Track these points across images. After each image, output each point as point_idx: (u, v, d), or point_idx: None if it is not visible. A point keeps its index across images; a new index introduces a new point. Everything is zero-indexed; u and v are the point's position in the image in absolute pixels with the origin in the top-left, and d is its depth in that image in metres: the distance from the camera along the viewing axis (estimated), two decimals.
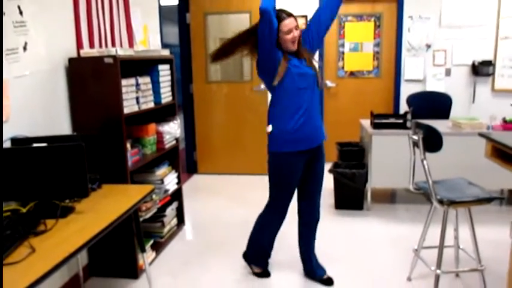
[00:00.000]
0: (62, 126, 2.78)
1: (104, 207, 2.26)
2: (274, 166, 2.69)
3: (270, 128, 2.63)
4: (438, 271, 2.60)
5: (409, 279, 2.93)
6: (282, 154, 2.62)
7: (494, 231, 3.64)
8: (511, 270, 2.37)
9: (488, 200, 2.56)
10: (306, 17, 5.33)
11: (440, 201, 2.54)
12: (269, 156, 2.69)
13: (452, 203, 2.52)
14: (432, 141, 2.59)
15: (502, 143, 2.45)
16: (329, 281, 2.89)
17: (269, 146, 2.67)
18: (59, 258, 1.67)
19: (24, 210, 2.11)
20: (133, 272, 2.98)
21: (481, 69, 5.20)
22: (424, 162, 2.61)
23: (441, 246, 2.61)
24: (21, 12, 2.40)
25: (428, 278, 2.90)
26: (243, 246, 3.05)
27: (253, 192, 4.89)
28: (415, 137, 2.68)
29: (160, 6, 4.40)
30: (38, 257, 1.69)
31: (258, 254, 3.00)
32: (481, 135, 2.79)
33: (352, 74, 5.67)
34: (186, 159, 5.71)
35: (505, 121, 3.85)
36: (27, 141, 2.25)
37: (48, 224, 2.01)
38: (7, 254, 1.70)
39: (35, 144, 2.10)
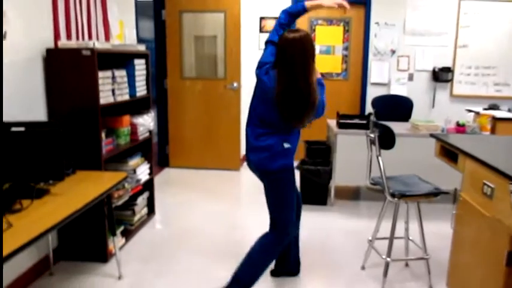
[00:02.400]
0: (38, 113, 2.88)
1: (79, 190, 2.40)
2: (290, 180, 2.62)
3: (287, 145, 2.56)
4: (388, 259, 2.84)
5: (363, 267, 3.16)
6: (293, 167, 2.64)
7: (444, 225, 3.91)
8: (452, 258, 2.63)
9: (435, 194, 2.81)
10: None
11: (392, 195, 2.77)
12: (284, 173, 2.58)
13: (402, 196, 2.76)
14: (387, 139, 2.82)
15: (447, 142, 2.70)
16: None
17: (285, 162, 2.56)
18: (36, 232, 1.81)
19: None
20: (103, 256, 3.10)
21: (441, 75, 5.52)
22: (379, 158, 2.84)
23: (391, 237, 2.85)
24: (1, 3, 2.50)
25: (380, 266, 3.13)
26: (211, 237, 3.15)
27: (223, 186, 5.06)
28: (372, 135, 2.91)
29: (136, 2, 4.51)
30: (15, 231, 1.82)
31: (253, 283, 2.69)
32: (432, 135, 3.04)
33: (321, 75, 5.89)
34: (158, 153, 5.82)
35: (458, 124, 4.14)
36: (4, 125, 2.35)
37: (23, 204, 2.13)
38: None
39: (13, 129, 2.21)
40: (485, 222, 2.21)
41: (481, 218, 2.24)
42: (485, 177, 2.22)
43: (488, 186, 2.18)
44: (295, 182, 2.67)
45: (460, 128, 4.09)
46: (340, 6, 2.65)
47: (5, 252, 1.63)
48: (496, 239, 2.11)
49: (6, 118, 2.50)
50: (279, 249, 2.69)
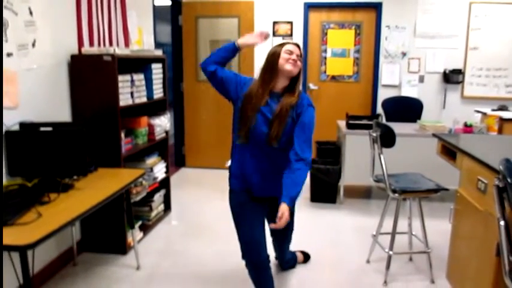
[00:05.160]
0: (63, 114, 3.11)
1: (100, 185, 2.61)
2: (231, 204, 2.82)
3: (228, 163, 2.66)
4: (390, 252, 2.97)
5: (368, 261, 3.30)
6: (232, 191, 2.84)
7: (447, 223, 4.01)
8: (450, 250, 2.75)
9: (435, 191, 2.94)
10: (291, 23, 5.71)
11: (394, 191, 2.91)
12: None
13: (403, 192, 2.89)
14: (388, 138, 2.96)
15: (446, 141, 2.83)
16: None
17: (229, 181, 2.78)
18: (63, 221, 2.01)
19: (29, 184, 2.45)
20: (123, 248, 3.31)
21: (452, 77, 5.60)
22: (381, 156, 2.98)
23: (393, 232, 2.99)
24: (31, 13, 2.74)
25: (384, 260, 3.24)
26: (223, 233, 3.33)
27: None
28: (374, 134, 3.05)
29: (154, 8, 4.74)
30: (45, 220, 2.03)
31: None
32: (434, 135, 3.16)
33: (333, 78, 6.05)
34: (174, 153, 6.05)
35: (465, 125, 4.23)
36: (33, 125, 2.58)
37: (51, 197, 2.35)
38: (18, 217, 2.04)
39: (42, 128, 2.43)
40: (479, 216, 2.33)
41: (476, 212, 2.37)
42: (480, 173, 2.34)
43: (482, 181, 2.31)
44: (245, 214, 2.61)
45: (468, 128, 4.18)
46: (265, 37, 2.56)
47: (36, 238, 1.84)
48: (488, 232, 2.23)
49: (35, 119, 2.74)
50: (252, 274, 2.52)
